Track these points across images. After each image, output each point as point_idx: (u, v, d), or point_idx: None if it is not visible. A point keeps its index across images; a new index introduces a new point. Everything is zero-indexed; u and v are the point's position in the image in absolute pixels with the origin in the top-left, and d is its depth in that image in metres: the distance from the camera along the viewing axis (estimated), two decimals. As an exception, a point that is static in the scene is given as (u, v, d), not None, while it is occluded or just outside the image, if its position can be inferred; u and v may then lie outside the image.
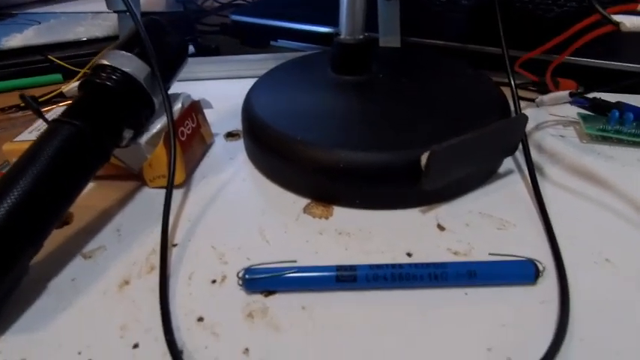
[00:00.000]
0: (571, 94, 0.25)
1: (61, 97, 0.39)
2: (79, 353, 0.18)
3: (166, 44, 0.27)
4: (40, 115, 0.23)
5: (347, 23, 0.30)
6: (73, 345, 0.18)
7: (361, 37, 0.30)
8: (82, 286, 0.21)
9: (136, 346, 0.18)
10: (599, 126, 0.29)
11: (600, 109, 0.30)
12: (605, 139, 0.29)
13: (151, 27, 0.26)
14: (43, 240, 0.20)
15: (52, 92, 0.39)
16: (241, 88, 0.31)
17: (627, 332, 0.18)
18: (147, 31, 0.25)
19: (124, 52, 0.25)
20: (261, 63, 0.41)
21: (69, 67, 0.44)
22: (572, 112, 0.32)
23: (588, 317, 0.18)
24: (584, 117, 0.30)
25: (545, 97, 0.29)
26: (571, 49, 0.27)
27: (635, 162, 0.27)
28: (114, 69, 0.24)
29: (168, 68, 0.27)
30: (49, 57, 0.44)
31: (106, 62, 0.24)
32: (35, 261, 0.20)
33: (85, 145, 0.22)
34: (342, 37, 0.30)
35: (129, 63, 0.24)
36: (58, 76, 0.44)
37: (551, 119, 0.32)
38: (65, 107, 0.23)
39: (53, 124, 0.22)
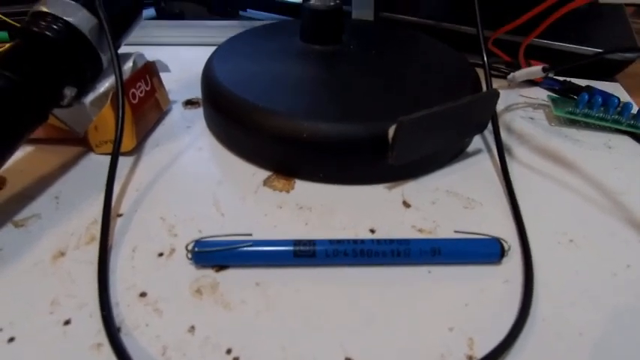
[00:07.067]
0: (544, 69, 0.25)
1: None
2: (1, 330, 0.16)
3: (117, -5, 0.24)
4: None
5: (317, -13, 0.28)
6: (-7, 321, 0.16)
7: (332, 3, 0.28)
8: (10, 256, 0.18)
9: (67, 322, 0.16)
10: (568, 109, 0.28)
11: (570, 92, 0.30)
12: (573, 123, 0.29)
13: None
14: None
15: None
16: (205, 55, 0.29)
17: (590, 313, 0.17)
18: (95, -22, 0.23)
19: (67, 0, 0.22)
20: (229, 30, 0.38)
21: (16, 24, 0.40)
22: (543, 94, 0.32)
23: (551, 298, 0.18)
24: (554, 99, 0.30)
25: (517, 73, 0.28)
26: (545, 24, 0.26)
27: (602, 146, 0.27)
28: (55, 18, 0.21)
29: (118, 22, 0.24)
30: (-7, 12, 0.40)
31: (45, 9, 0.21)
32: (-45, 228, 0.18)
33: (16, 99, 0.19)
34: (312, 1, 0.28)
35: (73, 12, 0.22)
36: (4, 34, 0.40)
37: (522, 101, 0.31)
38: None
39: (-22, 75, 0.19)
